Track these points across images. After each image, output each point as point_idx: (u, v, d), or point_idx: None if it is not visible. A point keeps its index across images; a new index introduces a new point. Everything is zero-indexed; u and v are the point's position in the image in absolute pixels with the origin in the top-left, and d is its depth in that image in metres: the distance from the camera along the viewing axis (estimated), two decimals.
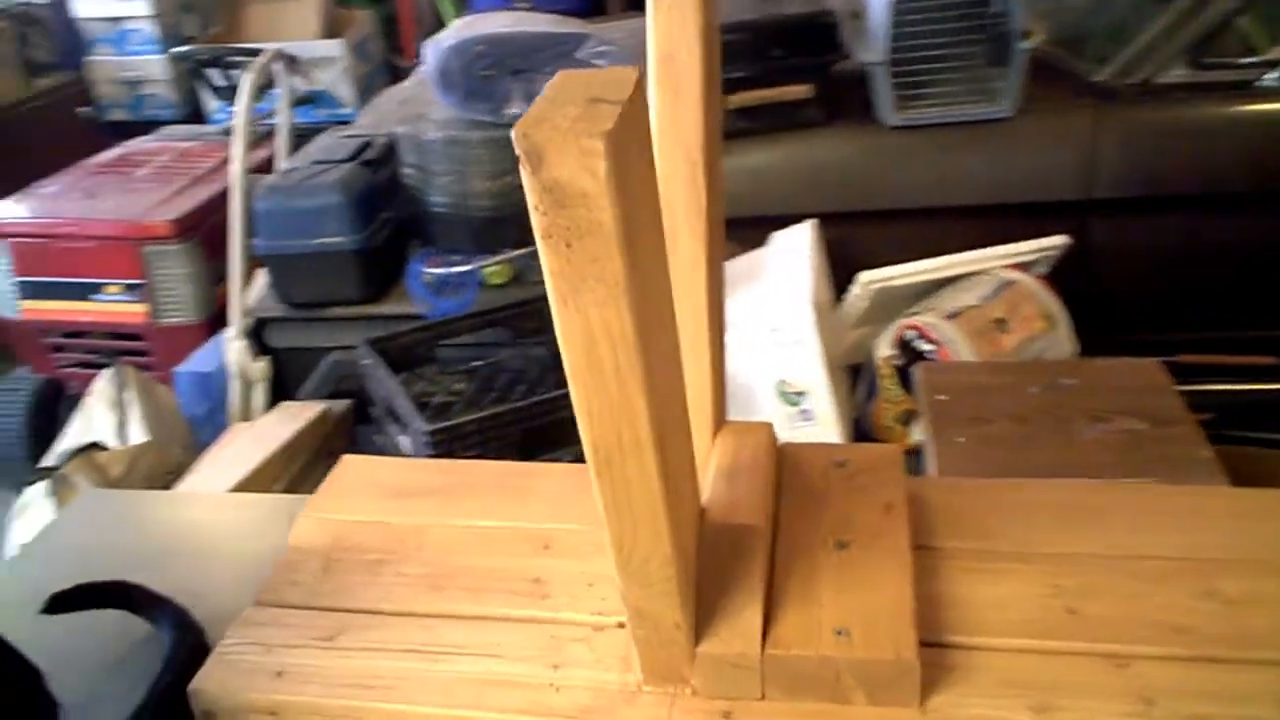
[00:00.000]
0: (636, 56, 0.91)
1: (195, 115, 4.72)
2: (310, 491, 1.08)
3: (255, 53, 2.98)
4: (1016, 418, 1.70)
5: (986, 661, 0.79)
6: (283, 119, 3.09)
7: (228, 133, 3.14)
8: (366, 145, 2.76)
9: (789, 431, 2.12)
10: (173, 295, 2.97)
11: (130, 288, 2.97)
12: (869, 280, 2.31)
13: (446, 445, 1.95)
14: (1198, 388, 1.87)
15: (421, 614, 0.90)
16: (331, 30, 5.10)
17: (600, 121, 0.53)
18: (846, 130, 2.75)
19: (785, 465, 0.97)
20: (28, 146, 4.34)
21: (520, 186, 0.55)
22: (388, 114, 3.04)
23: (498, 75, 2.40)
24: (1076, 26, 3.03)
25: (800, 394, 2.12)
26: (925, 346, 2.20)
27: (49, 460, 2.22)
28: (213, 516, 1.23)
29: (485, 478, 1.07)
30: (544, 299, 0.61)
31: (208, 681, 0.85)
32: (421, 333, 2.39)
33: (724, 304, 0.98)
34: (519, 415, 2.08)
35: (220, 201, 2.85)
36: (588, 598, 0.89)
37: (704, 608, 0.79)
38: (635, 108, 0.57)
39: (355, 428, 2.47)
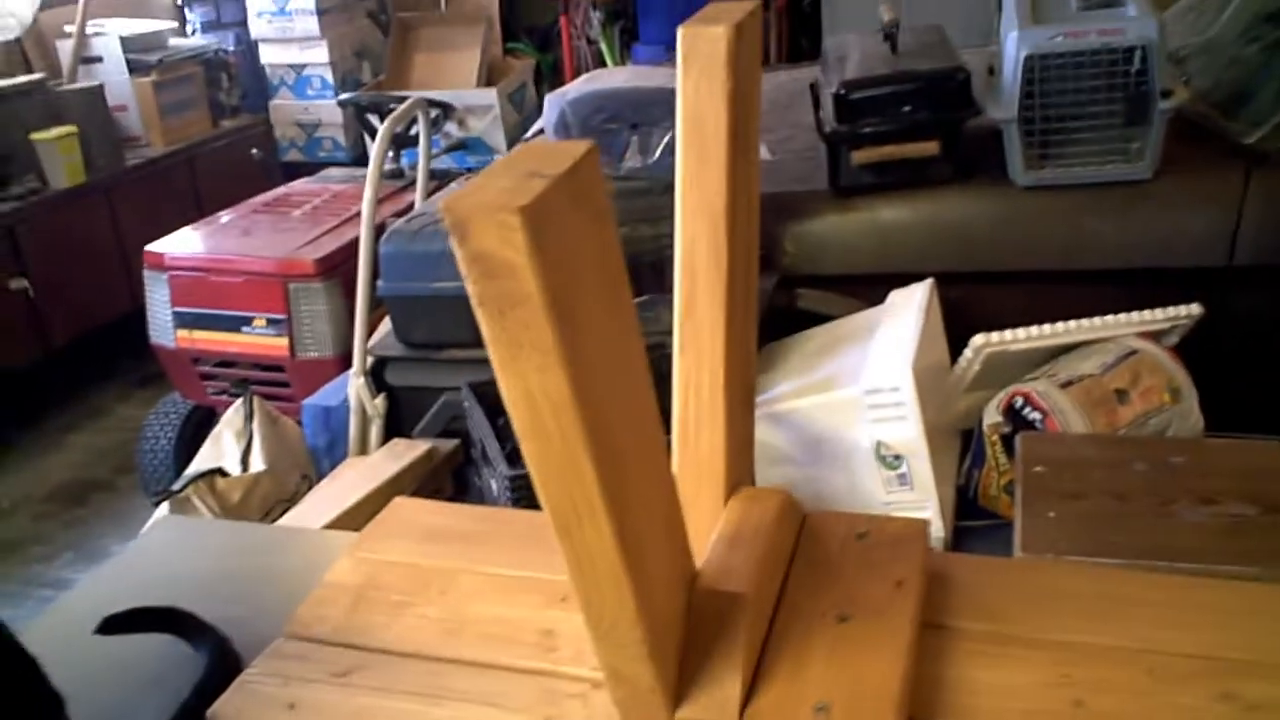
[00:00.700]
0: None
1: (364, 158, 4.99)
2: None
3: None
4: (1115, 494, 1.61)
5: None
6: (421, 164, 3.22)
7: (388, 176, 3.30)
8: None
9: (886, 495, 2.07)
10: (311, 330, 3.11)
11: (274, 322, 3.13)
12: (981, 344, 2.24)
13: (526, 490, 1.97)
14: None
15: (432, 657, 0.92)
16: (490, 78, 5.33)
17: (524, 195, 0.54)
18: (975, 189, 2.69)
19: (806, 533, 0.96)
20: (211, 183, 4.69)
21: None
22: None
23: (617, 129, 2.45)
24: (1235, 85, 2.89)
25: (899, 458, 2.06)
26: (1033, 415, 2.11)
27: (177, 483, 2.36)
28: (278, 548, 1.29)
29: (519, 527, 1.10)
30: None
31: (226, 708, 0.89)
32: None
33: (751, 368, 0.98)
34: None
35: None
36: (592, 653, 0.89)
37: (687, 672, 0.79)
38: (575, 179, 0.58)
39: (465, 467, 2.54)
